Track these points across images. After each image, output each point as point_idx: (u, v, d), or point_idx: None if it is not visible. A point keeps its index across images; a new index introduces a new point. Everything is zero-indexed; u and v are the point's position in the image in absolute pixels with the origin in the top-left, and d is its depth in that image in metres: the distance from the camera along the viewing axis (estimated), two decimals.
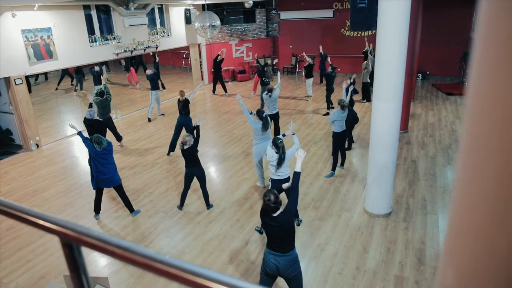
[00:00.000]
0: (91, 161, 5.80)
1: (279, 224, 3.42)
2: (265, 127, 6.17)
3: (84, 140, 5.56)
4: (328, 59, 11.18)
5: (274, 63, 13.08)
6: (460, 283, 0.35)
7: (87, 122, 7.04)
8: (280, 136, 5.22)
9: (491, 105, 0.29)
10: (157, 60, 10.81)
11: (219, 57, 12.74)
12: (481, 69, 0.31)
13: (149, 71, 10.35)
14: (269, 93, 7.87)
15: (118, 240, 0.70)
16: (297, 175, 3.76)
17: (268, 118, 6.36)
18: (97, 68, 11.23)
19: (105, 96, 8.20)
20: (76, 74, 13.97)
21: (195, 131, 6.10)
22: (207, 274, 0.58)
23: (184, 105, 7.88)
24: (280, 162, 4.95)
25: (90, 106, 7.67)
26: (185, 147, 5.58)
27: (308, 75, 11.93)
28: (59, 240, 0.77)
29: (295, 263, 3.57)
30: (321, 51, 12.12)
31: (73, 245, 0.78)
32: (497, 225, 0.31)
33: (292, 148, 5.08)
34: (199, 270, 0.59)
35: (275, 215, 3.44)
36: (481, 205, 0.32)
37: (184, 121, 7.96)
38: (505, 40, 0.28)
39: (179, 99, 7.95)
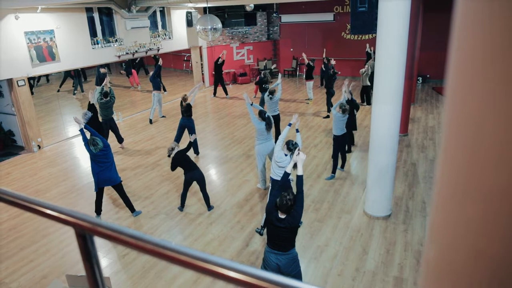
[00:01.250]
0: (90, 161, 5.84)
1: (284, 225, 3.45)
2: (268, 127, 6.22)
3: (84, 138, 5.60)
4: (331, 61, 11.17)
5: (272, 68, 13.08)
6: (440, 257, 0.40)
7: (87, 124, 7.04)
8: (287, 129, 5.26)
9: (466, 100, 0.34)
10: (159, 63, 10.75)
11: (220, 59, 12.80)
12: (457, 67, 0.35)
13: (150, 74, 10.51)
14: (270, 95, 7.93)
15: (130, 230, 0.74)
16: (300, 178, 3.74)
17: (271, 118, 6.42)
18: (103, 70, 11.25)
19: (109, 97, 8.22)
20: (76, 76, 14.02)
21: (191, 140, 6.11)
22: (218, 261, 0.62)
23: (186, 109, 7.91)
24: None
25: (89, 107, 7.61)
26: (173, 152, 5.67)
27: (308, 77, 11.96)
28: (74, 231, 0.81)
29: (295, 262, 3.61)
30: (324, 56, 12.12)
31: (86, 236, 0.82)
32: (471, 203, 0.35)
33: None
34: (210, 258, 0.63)
35: (283, 216, 3.46)
36: (456, 186, 0.37)
37: (187, 123, 7.99)
38: (480, 38, 0.32)
39: (181, 102, 7.98)
